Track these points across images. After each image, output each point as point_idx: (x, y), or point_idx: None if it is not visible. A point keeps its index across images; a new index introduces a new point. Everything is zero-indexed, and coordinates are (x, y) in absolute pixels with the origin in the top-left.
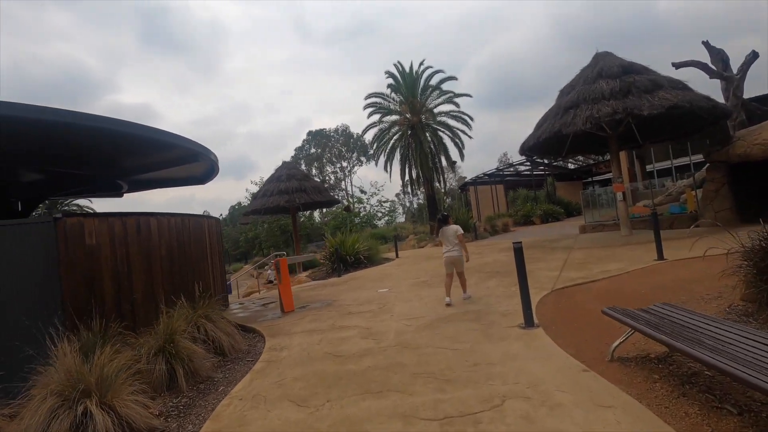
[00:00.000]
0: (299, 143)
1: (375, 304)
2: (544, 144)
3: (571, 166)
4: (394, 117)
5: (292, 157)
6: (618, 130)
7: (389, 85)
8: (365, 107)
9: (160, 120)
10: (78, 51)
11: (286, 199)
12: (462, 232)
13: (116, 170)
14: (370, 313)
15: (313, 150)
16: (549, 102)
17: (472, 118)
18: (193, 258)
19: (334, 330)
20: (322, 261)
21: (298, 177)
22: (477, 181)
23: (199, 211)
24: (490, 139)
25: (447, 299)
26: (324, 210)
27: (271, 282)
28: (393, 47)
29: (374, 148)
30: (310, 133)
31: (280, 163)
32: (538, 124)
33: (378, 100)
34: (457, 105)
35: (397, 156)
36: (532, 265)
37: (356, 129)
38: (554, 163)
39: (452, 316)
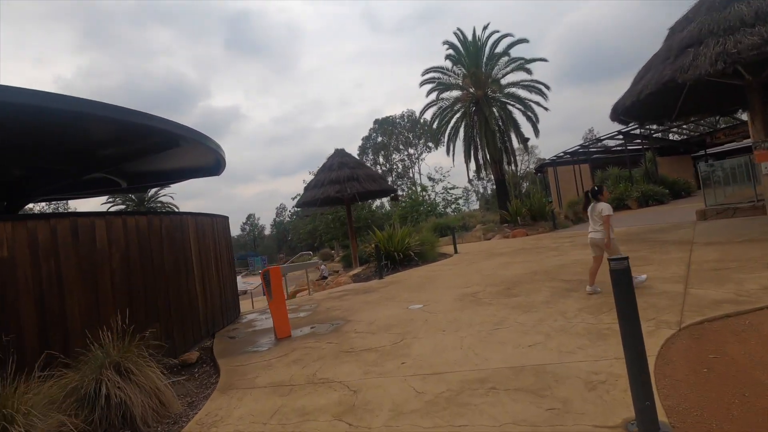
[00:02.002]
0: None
1: (394, 332)
2: (647, 103)
3: (674, 137)
4: (456, 93)
5: (359, 147)
6: (763, 75)
7: (448, 56)
8: (422, 84)
9: (246, 120)
10: (178, 63)
11: (337, 189)
12: (609, 213)
13: (93, 162)
14: (377, 352)
15: (380, 138)
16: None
17: (548, 87)
18: (169, 270)
19: (309, 388)
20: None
21: (350, 165)
22: (557, 161)
23: (277, 205)
24: (572, 117)
25: (588, 288)
26: (388, 198)
27: (324, 278)
28: (463, 28)
29: (434, 129)
30: (376, 121)
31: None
32: (638, 77)
33: (437, 75)
34: (529, 72)
35: (461, 136)
36: (635, 269)
37: (428, 117)
38: (655, 134)
39: (494, 375)
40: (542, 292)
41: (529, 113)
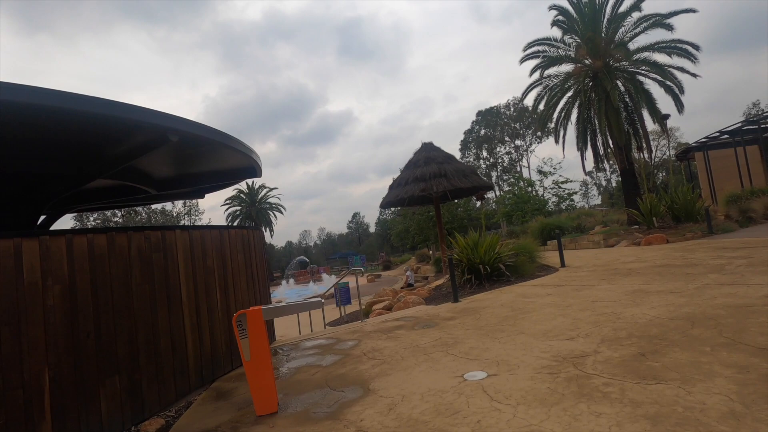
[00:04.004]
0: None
1: None
2: None
3: None
4: (566, 67)
5: (460, 141)
6: None
7: (556, 22)
8: (523, 60)
9: (357, 122)
10: (298, 75)
11: (422, 187)
12: None
13: (97, 164)
14: None
15: (483, 131)
16: None
17: (697, 47)
18: (138, 305)
19: None
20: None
21: (437, 160)
22: (709, 144)
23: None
24: (724, 94)
25: None
26: (500, 193)
27: (410, 286)
28: None
29: (539, 113)
30: (479, 113)
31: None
32: None
33: (542, 48)
34: (669, 28)
35: (573, 120)
36: None
37: (531, 101)
38: None
39: None
40: (715, 378)
41: (669, 83)
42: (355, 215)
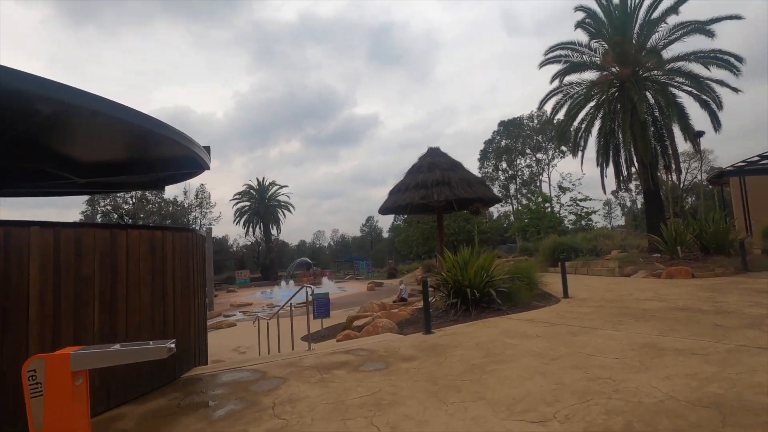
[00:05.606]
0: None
1: None
2: None
3: None
4: (590, 75)
5: (480, 151)
6: None
7: (582, 24)
8: (542, 64)
9: (382, 126)
10: (328, 77)
11: (422, 194)
12: None
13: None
14: None
15: (504, 142)
16: None
17: (740, 59)
18: None
19: None
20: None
21: (442, 167)
22: (746, 169)
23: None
24: (764, 120)
25: None
26: (518, 206)
27: (403, 300)
28: None
29: (557, 122)
30: (501, 123)
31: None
32: None
33: (565, 52)
34: (710, 35)
35: (594, 132)
36: None
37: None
38: None
39: None
40: None
41: (705, 96)
42: (369, 219)
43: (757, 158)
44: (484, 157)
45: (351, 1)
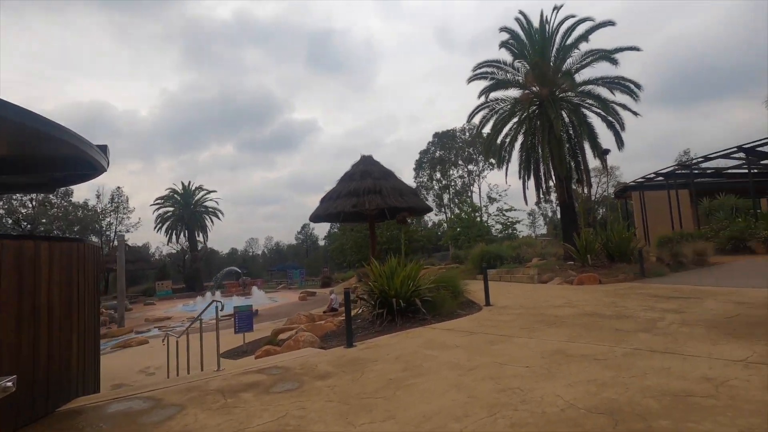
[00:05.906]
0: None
1: None
2: None
3: None
4: (514, 92)
5: (416, 161)
6: None
7: (505, 44)
8: (470, 79)
9: (320, 133)
10: (266, 80)
11: (354, 202)
12: None
13: None
14: None
15: (438, 153)
16: (755, 90)
17: (639, 85)
18: None
19: None
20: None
21: (374, 175)
22: (645, 185)
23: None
24: (661, 143)
25: None
26: (451, 215)
27: (333, 311)
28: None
29: (484, 136)
30: (436, 134)
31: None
32: None
33: (491, 70)
34: (614, 63)
35: (517, 147)
36: None
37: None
38: None
39: None
40: None
41: (611, 118)
42: (304, 226)
43: (653, 175)
44: (419, 166)
45: (291, 4)
